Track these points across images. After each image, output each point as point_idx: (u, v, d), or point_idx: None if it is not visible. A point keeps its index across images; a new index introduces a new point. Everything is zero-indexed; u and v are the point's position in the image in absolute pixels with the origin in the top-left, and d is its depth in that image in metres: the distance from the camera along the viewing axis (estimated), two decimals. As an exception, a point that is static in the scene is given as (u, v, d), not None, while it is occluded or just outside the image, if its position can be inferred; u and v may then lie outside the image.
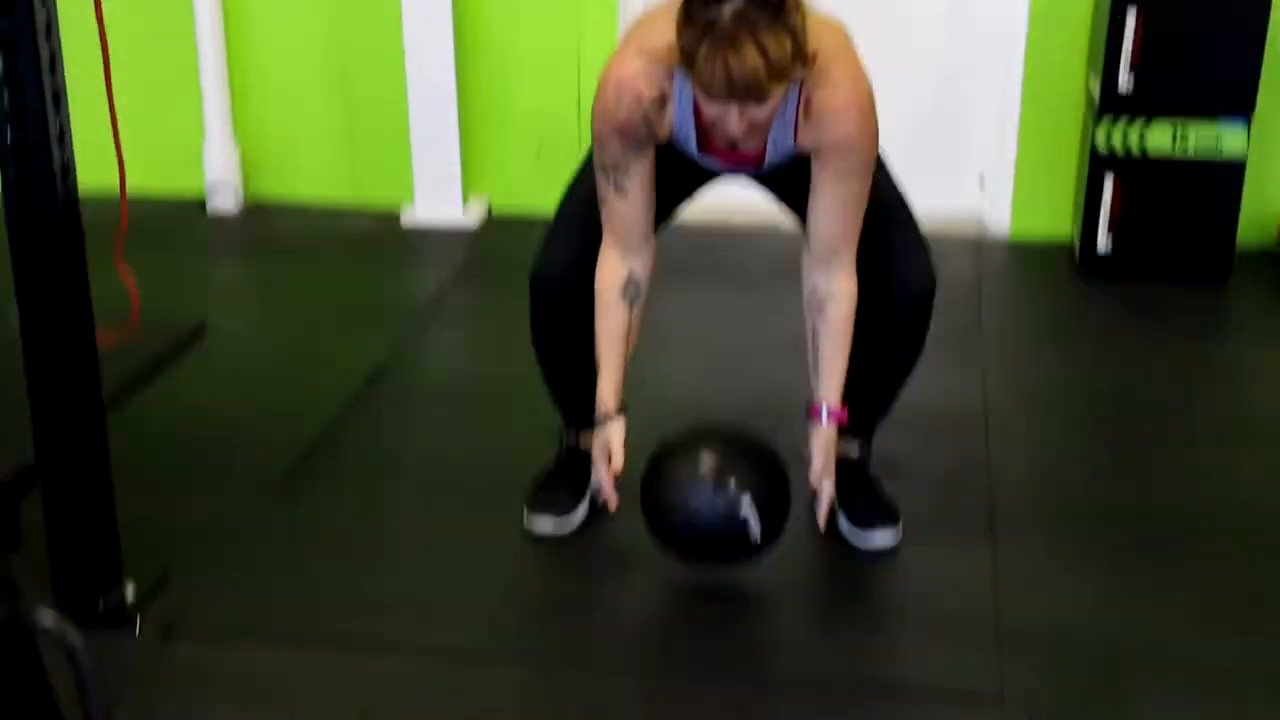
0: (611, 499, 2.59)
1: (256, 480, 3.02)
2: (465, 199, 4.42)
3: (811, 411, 2.59)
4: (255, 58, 4.43)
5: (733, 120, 2.28)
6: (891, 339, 2.66)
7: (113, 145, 2.49)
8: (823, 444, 2.58)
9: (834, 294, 2.53)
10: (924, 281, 2.62)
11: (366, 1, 4.34)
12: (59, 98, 2.24)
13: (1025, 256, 4.25)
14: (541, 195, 4.32)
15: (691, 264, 4.01)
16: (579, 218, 2.63)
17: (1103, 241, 3.98)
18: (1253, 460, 3.17)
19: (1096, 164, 3.92)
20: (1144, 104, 3.85)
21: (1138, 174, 3.90)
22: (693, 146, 2.49)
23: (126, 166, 2.50)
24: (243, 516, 2.89)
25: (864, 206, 2.49)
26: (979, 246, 4.27)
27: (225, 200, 4.48)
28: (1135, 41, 3.79)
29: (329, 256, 4.24)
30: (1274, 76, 3.95)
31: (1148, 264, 4.02)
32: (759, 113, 2.29)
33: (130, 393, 2.67)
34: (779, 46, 2.19)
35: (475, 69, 4.35)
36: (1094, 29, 4.02)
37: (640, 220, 2.54)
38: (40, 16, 2.17)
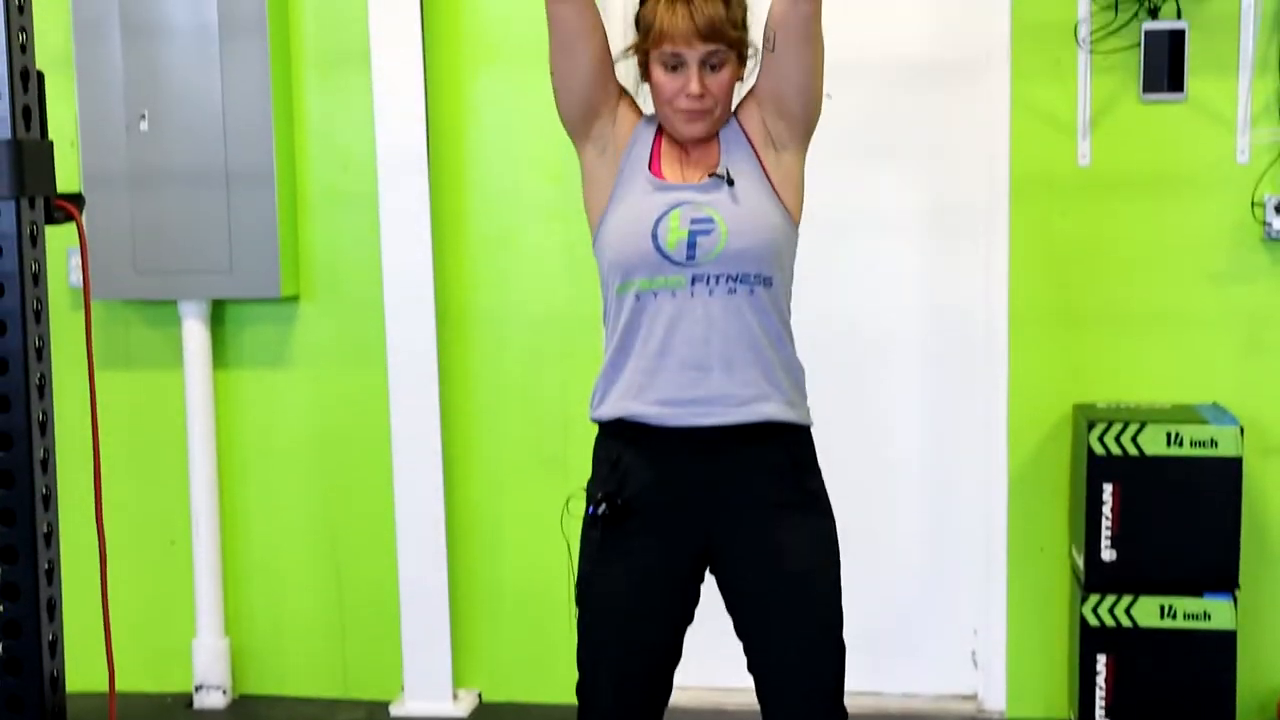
0: None
1: None
2: (456, 691, 4.38)
3: None
4: (249, 553, 4.48)
5: (692, 79, 2.43)
6: None
7: (103, 646, 2.49)
8: None
9: None
10: None
11: (360, 497, 4.43)
12: (54, 607, 2.26)
13: (1025, 736, 4.16)
14: (532, 687, 4.37)
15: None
16: (610, 698, 2.57)
17: (1101, 720, 3.93)
18: None
19: (1088, 640, 3.90)
20: (1129, 578, 3.86)
21: (1130, 650, 3.88)
22: (644, 164, 2.53)
23: (115, 668, 2.48)
24: None
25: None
26: (977, 728, 4.20)
27: (214, 697, 4.44)
28: (1114, 516, 3.85)
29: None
30: (1254, 551, 4.00)
31: (1150, 745, 3.94)
32: (714, 80, 2.45)
33: None
34: (738, 4, 2.47)
35: (466, 562, 4.40)
36: (1073, 505, 4.09)
37: None
38: (41, 524, 2.21)
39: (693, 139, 2.55)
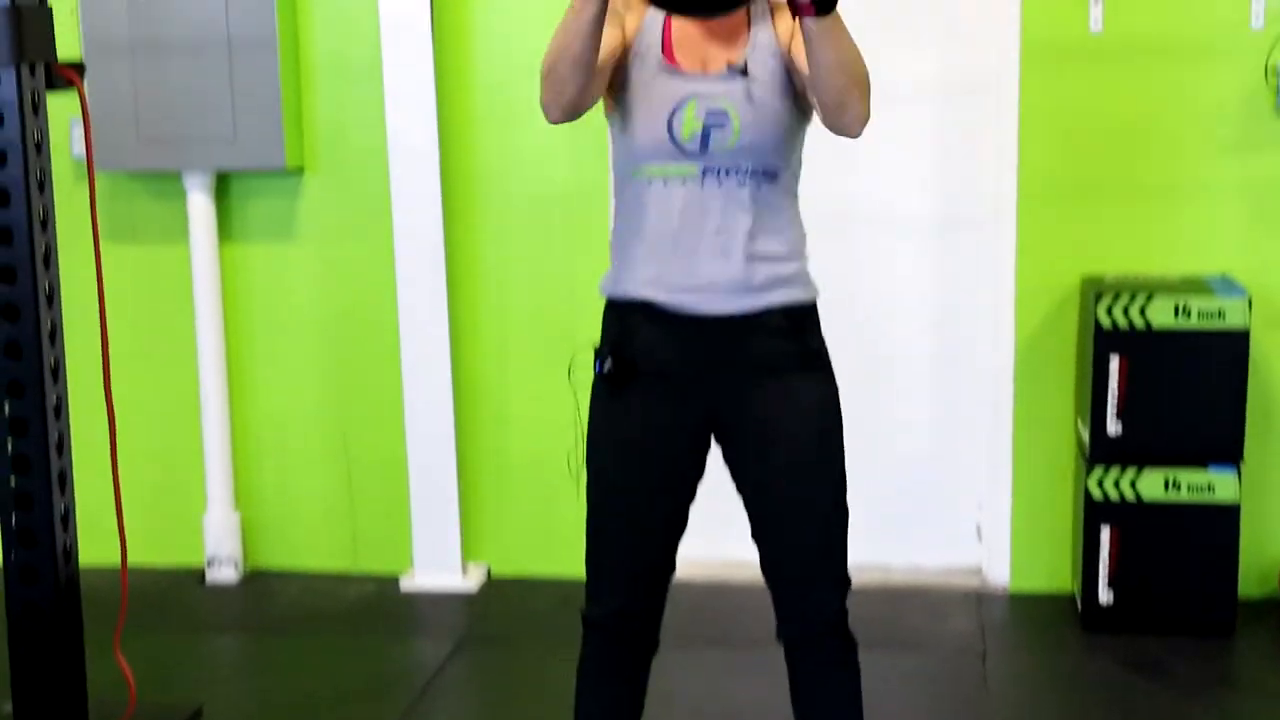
0: None
1: None
2: (465, 565, 4.43)
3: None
4: (258, 427, 4.52)
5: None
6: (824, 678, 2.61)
7: (114, 520, 2.51)
8: None
9: None
10: (832, 618, 2.57)
11: (367, 371, 4.44)
12: (65, 479, 2.27)
13: (1027, 609, 4.21)
14: (541, 561, 4.42)
15: (691, 629, 3.95)
16: (615, 553, 2.60)
17: (1104, 594, 3.96)
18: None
19: (1092, 513, 3.93)
20: (1134, 451, 3.89)
21: (1134, 523, 3.91)
22: (657, 48, 2.48)
23: (127, 541, 2.51)
24: None
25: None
26: (980, 600, 4.24)
27: (225, 571, 4.49)
28: (1120, 389, 3.86)
29: (329, 627, 4.20)
30: (1259, 423, 4.02)
31: (1152, 616, 3.98)
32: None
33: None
34: None
35: (474, 436, 4.43)
36: (1079, 377, 4.10)
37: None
38: (50, 396, 2.22)
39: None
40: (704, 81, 2.47)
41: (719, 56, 2.49)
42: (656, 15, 2.49)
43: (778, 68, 2.48)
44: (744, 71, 2.46)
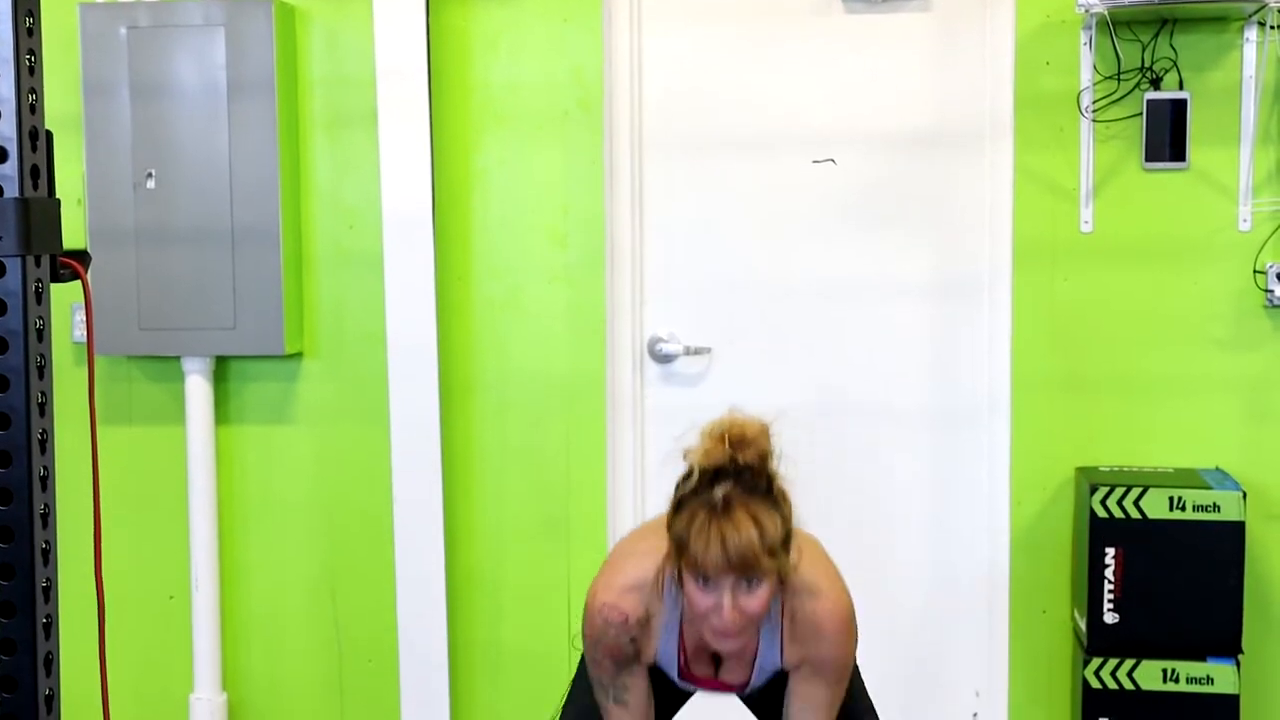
0: None
1: None
2: (455, 752, 4.34)
3: None
4: (248, 609, 4.47)
5: (725, 609, 2.30)
6: None
7: (100, 700, 2.48)
8: None
9: None
10: None
11: (360, 556, 4.42)
12: (51, 662, 2.25)
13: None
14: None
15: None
16: None
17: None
18: None
19: (1090, 703, 3.88)
20: (1132, 642, 3.86)
21: (1132, 713, 3.86)
22: (674, 672, 2.51)
23: (112, 724, 2.47)
24: None
25: (836, 711, 2.49)
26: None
27: (211, 756, 4.40)
28: (1117, 580, 3.84)
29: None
30: (1257, 615, 4.00)
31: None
32: (750, 601, 2.30)
33: None
34: (772, 523, 2.28)
35: (466, 624, 4.39)
36: (1075, 568, 4.08)
37: None
38: (40, 578, 2.21)
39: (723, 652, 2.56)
40: (713, 689, 2.61)
41: (730, 670, 2.58)
42: (671, 636, 2.54)
43: (777, 680, 2.59)
44: (746, 686, 2.59)
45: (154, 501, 4.47)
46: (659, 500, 4.03)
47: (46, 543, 2.22)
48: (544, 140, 4.20)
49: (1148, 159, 4.01)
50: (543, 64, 4.19)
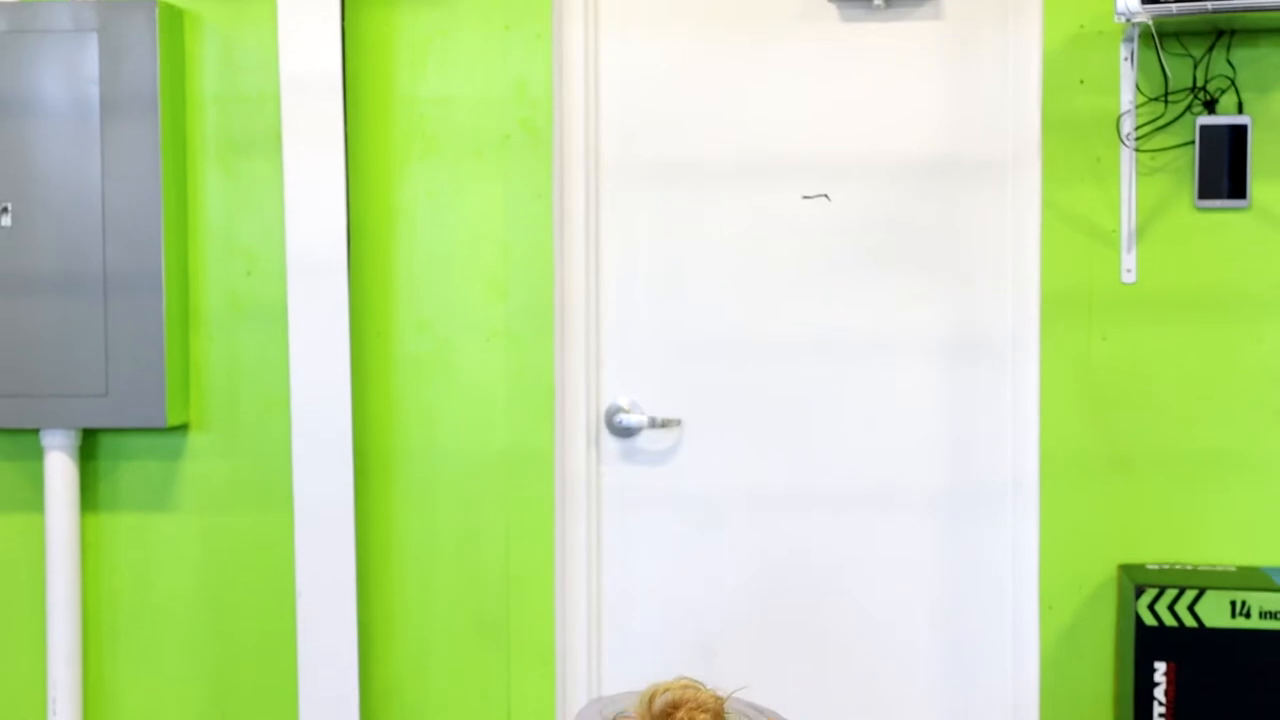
0: None
1: None
2: None
3: None
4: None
5: None
6: None
7: None
8: None
9: None
10: None
11: (256, 670, 4.12)
12: None
13: None
14: None
15: None
16: None
17: None
18: None
19: None
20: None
21: None
22: None
23: None
24: None
25: None
26: None
27: None
28: (1169, 700, 3.60)
29: None
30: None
31: None
32: None
33: None
34: None
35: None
36: (1118, 686, 3.83)
37: None
38: None
39: None
40: None
41: None
42: None
43: None
44: None
45: (3, 606, 4.21)
46: (617, 602, 3.67)
47: None
48: (481, 169, 4.06)
49: (1201, 196, 3.82)
50: (480, 77, 4.05)
